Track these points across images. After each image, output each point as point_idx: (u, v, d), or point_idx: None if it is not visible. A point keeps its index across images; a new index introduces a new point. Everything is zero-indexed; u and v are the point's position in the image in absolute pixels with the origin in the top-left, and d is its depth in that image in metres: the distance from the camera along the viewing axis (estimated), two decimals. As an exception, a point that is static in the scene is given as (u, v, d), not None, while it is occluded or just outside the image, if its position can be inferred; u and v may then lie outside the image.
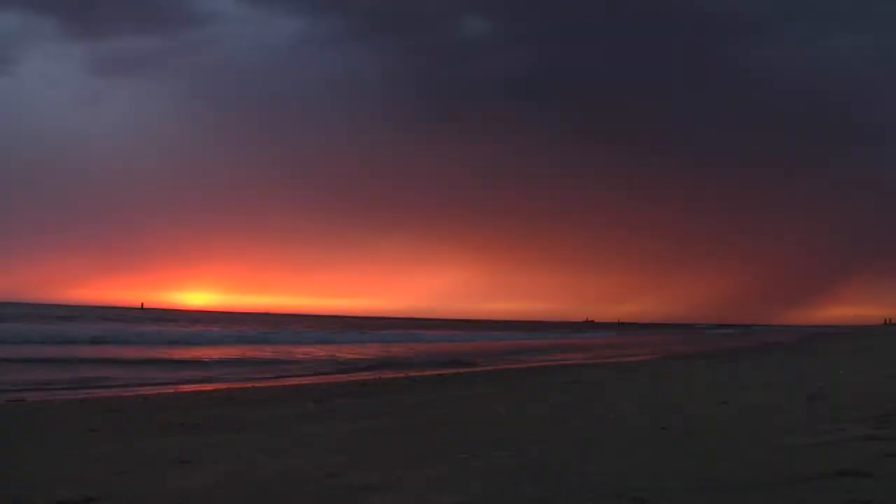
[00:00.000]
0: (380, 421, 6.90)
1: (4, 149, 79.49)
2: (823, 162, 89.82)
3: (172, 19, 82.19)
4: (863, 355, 16.28)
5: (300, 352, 22.73)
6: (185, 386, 12.22)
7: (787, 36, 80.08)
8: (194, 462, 4.64)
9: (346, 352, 23.81)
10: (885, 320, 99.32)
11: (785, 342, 35.30)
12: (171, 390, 11.41)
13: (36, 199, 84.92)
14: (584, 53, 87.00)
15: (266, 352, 22.47)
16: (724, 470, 3.93)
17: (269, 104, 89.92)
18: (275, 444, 5.55)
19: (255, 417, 7.50)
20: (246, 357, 19.93)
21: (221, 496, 3.74)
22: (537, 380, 12.59)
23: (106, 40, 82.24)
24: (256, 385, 12.57)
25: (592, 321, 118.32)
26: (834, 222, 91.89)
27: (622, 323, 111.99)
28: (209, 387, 11.94)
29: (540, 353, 26.04)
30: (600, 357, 22.72)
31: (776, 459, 4.17)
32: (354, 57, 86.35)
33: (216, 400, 9.82)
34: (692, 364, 16.36)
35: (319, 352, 23.13)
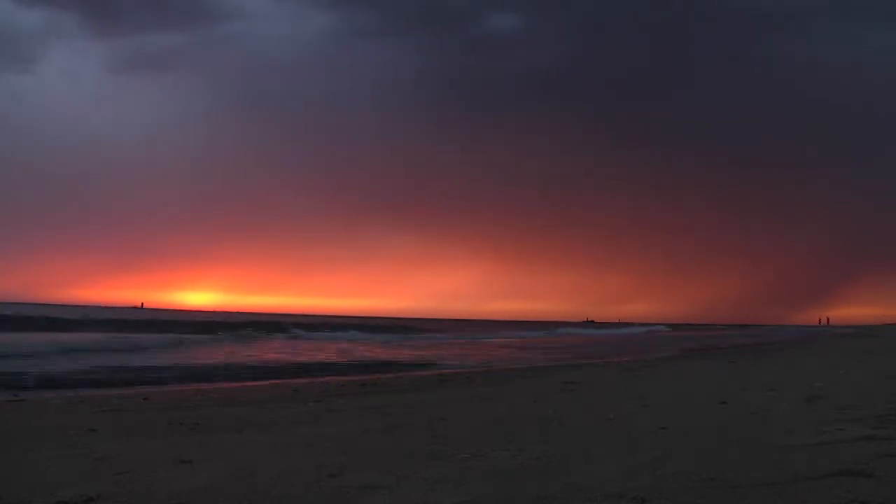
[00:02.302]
0: (380, 421, 6.90)
1: (8, 149, 79.63)
2: (843, 164, 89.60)
3: (196, 15, 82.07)
4: (863, 355, 16.28)
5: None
6: (185, 386, 12.22)
7: (818, 33, 79.39)
8: (194, 462, 4.64)
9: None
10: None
11: (785, 342, 35.29)
12: (172, 390, 11.41)
13: (39, 198, 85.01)
14: (601, 52, 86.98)
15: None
16: (724, 470, 3.93)
17: (285, 102, 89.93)
18: (275, 444, 5.55)
19: (255, 417, 7.49)
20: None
21: (221, 496, 3.73)
22: (537, 380, 12.59)
23: (128, 37, 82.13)
24: (256, 385, 12.57)
25: (593, 321, 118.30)
26: (846, 223, 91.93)
27: (623, 323, 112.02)
28: (209, 387, 11.94)
29: (543, 352, 26.05)
30: (600, 357, 22.72)
31: (776, 459, 4.17)
32: (366, 54, 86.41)
33: (216, 400, 9.82)
34: (692, 364, 16.36)
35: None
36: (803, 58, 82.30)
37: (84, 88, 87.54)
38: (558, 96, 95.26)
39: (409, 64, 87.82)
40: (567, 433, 5.71)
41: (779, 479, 3.68)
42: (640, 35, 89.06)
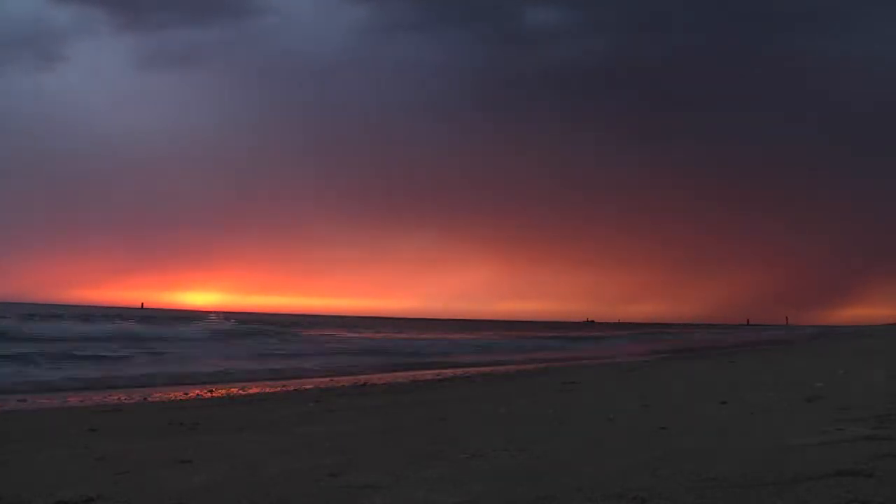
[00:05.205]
0: (380, 421, 6.90)
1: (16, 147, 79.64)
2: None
3: (224, 10, 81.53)
4: (863, 355, 16.27)
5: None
6: (185, 386, 12.23)
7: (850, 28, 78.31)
8: (194, 462, 4.64)
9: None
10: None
11: (785, 341, 35.29)
12: (171, 390, 11.41)
13: (41, 199, 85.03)
14: (618, 50, 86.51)
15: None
16: (724, 470, 3.93)
17: (307, 101, 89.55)
18: (275, 444, 5.54)
19: (255, 417, 7.50)
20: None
21: (221, 496, 3.73)
22: (537, 380, 12.59)
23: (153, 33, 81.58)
24: (256, 385, 12.57)
25: (593, 321, 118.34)
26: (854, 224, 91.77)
27: (623, 323, 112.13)
28: (209, 387, 11.94)
29: (542, 353, 26.06)
30: (600, 357, 22.73)
31: (776, 459, 4.17)
32: (382, 52, 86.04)
33: (216, 400, 9.83)
34: (692, 364, 16.35)
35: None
36: (820, 56, 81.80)
37: (95, 88, 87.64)
38: (568, 96, 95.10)
39: (432, 60, 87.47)
40: (567, 433, 5.71)
41: (779, 479, 3.68)
42: (643, 35, 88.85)
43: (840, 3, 79.74)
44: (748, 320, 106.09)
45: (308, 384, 12.57)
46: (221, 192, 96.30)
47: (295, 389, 11.27)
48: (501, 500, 3.52)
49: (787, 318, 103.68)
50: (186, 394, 10.76)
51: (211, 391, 11.13)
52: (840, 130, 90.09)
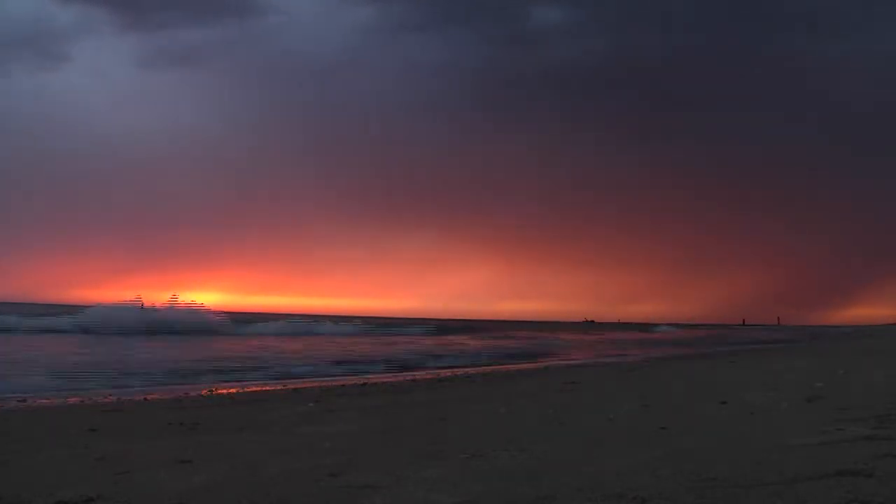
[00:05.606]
0: (380, 421, 6.90)
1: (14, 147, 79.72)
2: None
3: (227, 10, 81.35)
4: (863, 355, 16.26)
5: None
6: (186, 386, 12.23)
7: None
8: (194, 462, 4.65)
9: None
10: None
11: (785, 341, 35.28)
12: (171, 390, 11.41)
13: (42, 197, 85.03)
14: (618, 50, 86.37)
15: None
16: (724, 470, 3.93)
17: (302, 100, 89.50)
18: (275, 444, 5.55)
19: (255, 417, 7.50)
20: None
21: (221, 496, 3.74)
22: (537, 380, 12.58)
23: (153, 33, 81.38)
24: (256, 385, 12.57)
25: (593, 321, 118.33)
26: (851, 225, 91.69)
27: (622, 323, 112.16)
28: (209, 387, 11.94)
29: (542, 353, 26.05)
30: (600, 357, 22.72)
31: (776, 459, 4.17)
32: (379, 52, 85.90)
33: (216, 400, 9.84)
34: (692, 364, 16.35)
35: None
36: (825, 56, 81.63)
37: (97, 88, 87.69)
38: (568, 96, 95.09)
39: (432, 60, 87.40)
40: (567, 433, 5.71)
41: (779, 479, 3.68)
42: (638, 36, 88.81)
43: (840, 3, 79.72)
44: (744, 320, 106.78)
45: (308, 384, 12.57)
46: (221, 192, 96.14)
47: (295, 389, 11.27)
48: (501, 500, 3.52)
49: (778, 318, 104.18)
50: (186, 394, 10.77)
51: (211, 391, 11.14)
52: (840, 130, 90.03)
